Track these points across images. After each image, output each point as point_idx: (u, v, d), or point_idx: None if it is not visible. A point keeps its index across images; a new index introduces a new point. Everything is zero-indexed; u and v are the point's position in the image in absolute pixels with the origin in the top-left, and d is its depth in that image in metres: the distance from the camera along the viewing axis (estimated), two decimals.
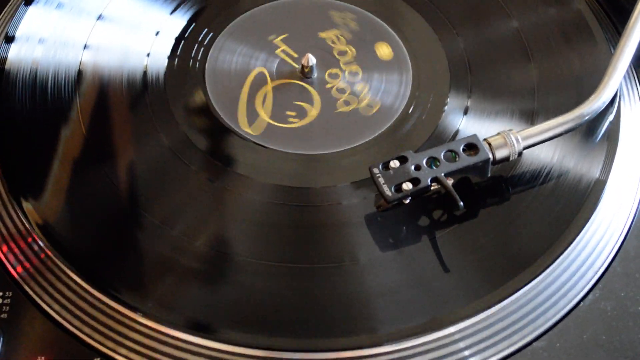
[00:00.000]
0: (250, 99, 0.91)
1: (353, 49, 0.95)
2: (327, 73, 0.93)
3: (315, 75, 0.92)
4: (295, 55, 0.94)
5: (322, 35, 0.96)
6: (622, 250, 0.80)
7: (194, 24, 0.97)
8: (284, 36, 0.96)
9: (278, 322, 0.75)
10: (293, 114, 0.90)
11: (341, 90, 0.91)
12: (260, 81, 0.93)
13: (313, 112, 0.90)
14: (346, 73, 0.92)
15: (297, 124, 0.89)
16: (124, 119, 0.90)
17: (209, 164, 0.85)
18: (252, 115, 0.89)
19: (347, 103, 0.91)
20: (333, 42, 0.95)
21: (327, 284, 0.77)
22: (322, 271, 0.78)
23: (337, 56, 0.94)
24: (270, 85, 0.92)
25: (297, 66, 0.93)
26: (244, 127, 0.88)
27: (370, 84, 0.92)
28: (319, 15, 0.98)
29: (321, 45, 0.95)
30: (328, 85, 0.92)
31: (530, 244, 0.79)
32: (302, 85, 0.92)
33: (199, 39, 0.96)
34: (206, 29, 0.96)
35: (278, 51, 0.95)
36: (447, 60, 0.93)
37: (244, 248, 0.80)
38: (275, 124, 0.89)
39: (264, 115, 0.89)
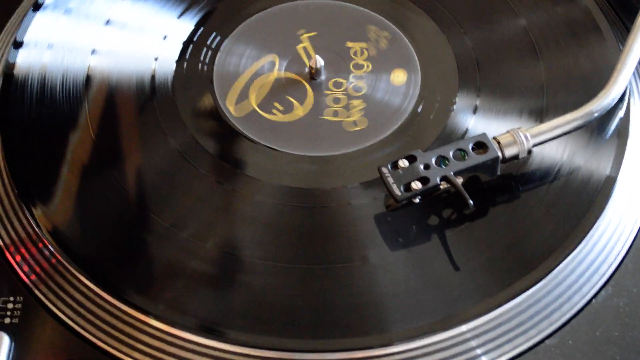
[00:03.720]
0: (248, 82, 0.91)
1: (370, 66, 0.94)
2: (332, 80, 0.93)
3: (322, 78, 0.92)
4: (313, 55, 0.94)
5: (349, 44, 0.96)
6: (633, 247, 0.80)
7: (201, 28, 0.97)
8: (312, 34, 0.96)
9: (288, 323, 0.75)
10: (280, 107, 0.90)
11: (336, 100, 0.91)
12: (266, 68, 0.93)
13: (299, 111, 0.90)
14: (350, 86, 0.92)
15: (280, 118, 0.89)
16: (132, 123, 0.90)
17: (217, 167, 0.86)
18: (242, 97, 0.90)
19: (335, 114, 0.90)
20: (355, 54, 0.95)
21: (337, 284, 0.77)
22: (332, 272, 0.78)
23: (351, 68, 0.94)
24: (274, 75, 0.93)
25: (307, 65, 0.93)
26: (229, 105, 0.90)
27: (369, 102, 0.91)
28: (356, 24, 0.98)
29: (343, 53, 0.95)
30: (327, 92, 0.92)
31: (541, 241, 0.78)
32: (302, 84, 0.92)
33: (207, 42, 0.96)
34: (214, 33, 0.97)
35: (299, 46, 0.95)
36: (455, 60, 0.93)
37: (253, 250, 0.80)
38: (260, 112, 0.90)
39: (252, 100, 0.90)
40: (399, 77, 0.92)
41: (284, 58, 0.94)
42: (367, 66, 0.94)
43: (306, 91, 0.92)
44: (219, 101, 0.91)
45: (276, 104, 0.91)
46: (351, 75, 0.93)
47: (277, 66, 0.94)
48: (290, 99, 0.91)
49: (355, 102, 0.91)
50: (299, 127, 0.89)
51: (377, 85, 0.92)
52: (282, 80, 0.93)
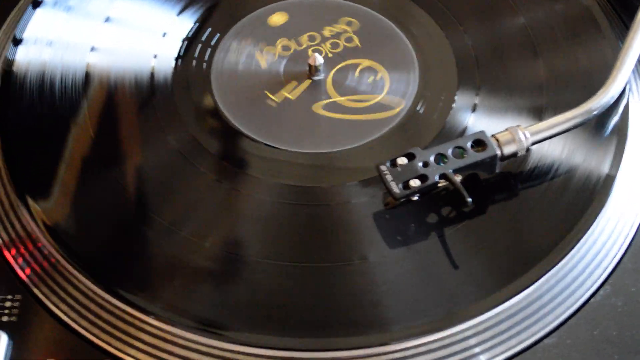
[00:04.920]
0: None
1: (359, 44, 0.94)
2: (332, 78, 0.92)
3: (321, 76, 0.92)
4: (302, 55, 0.94)
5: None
6: (632, 246, 0.80)
7: (201, 25, 0.97)
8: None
9: (288, 322, 0.75)
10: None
11: (335, 97, 0.91)
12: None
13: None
14: (349, 83, 0.92)
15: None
16: (132, 120, 0.90)
17: (216, 165, 0.86)
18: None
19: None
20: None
21: (337, 282, 0.77)
22: (332, 270, 0.78)
23: (343, 53, 0.94)
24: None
25: (304, 67, 0.93)
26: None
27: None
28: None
29: (342, 51, 0.95)
30: (326, 89, 0.92)
31: (539, 240, 0.78)
32: (302, 82, 0.92)
33: (206, 40, 0.96)
34: (213, 30, 0.97)
35: (298, 44, 0.95)
36: (454, 58, 0.93)
37: (253, 248, 0.80)
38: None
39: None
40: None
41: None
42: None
43: (305, 89, 0.92)
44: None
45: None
46: (350, 72, 0.93)
47: (276, 63, 0.93)
48: (290, 96, 0.91)
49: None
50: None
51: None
52: (281, 77, 0.93)
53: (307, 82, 0.92)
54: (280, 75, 0.93)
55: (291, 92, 0.92)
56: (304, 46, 0.95)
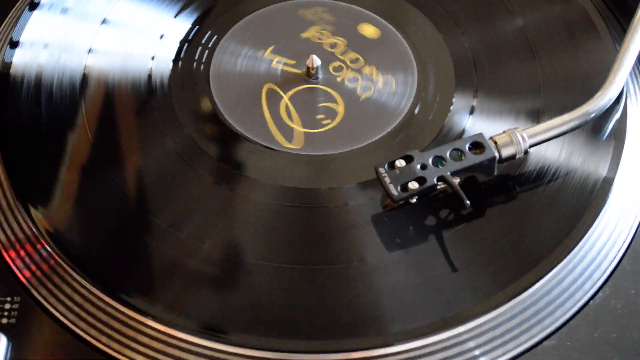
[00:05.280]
0: (275, 117, 0.90)
1: (341, 39, 0.94)
2: (330, 68, 0.93)
3: (319, 77, 0.92)
4: (293, 62, 0.94)
5: (305, 35, 0.96)
6: (631, 248, 0.80)
7: (198, 27, 0.97)
8: (272, 47, 0.96)
9: (287, 324, 0.75)
10: (323, 116, 0.90)
11: (333, 99, 0.91)
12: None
13: (340, 108, 0.90)
14: (347, 86, 0.92)
15: (331, 124, 0.89)
16: (130, 123, 0.90)
17: (215, 167, 0.85)
18: (287, 132, 0.89)
19: (365, 88, 0.91)
20: (319, 39, 0.95)
21: (336, 285, 0.77)
22: (330, 272, 0.78)
23: (330, 49, 0.94)
24: (270, 74, 0.93)
25: (300, 71, 0.93)
26: (286, 144, 0.88)
27: (374, 63, 0.93)
28: (292, 18, 0.98)
29: (309, 44, 0.95)
30: (339, 79, 0.92)
31: (538, 242, 0.78)
32: (299, 83, 0.92)
33: (204, 41, 0.96)
34: (210, 32, 0.96)
35: (295, 46, 0.95)
36: (452, 60, 0.93)
37: (252, 250, 0.80)
38: (311, 131, 0.89)
39: (297, 127, 0.89)
40: (368, 30, 0.92)
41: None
42: (339, 39, 0.94)
43: (303, 90, 0.92)
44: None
45: (273, 104, 0.90)
46: (348, 75, 0.93)
47: (274, 65, 0.93)
48: (287, 98, 0.91)
49: (367, 69, 0.91)
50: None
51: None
52: (279, 79, 0.93)
53: (305, 84, 0.92)
54: (278, 76, 0.93)
55: (288, 94, 0.91)
56: (302, 48, 0.95)
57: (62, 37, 0.94)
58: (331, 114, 0.90)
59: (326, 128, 0.89)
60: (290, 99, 0.91)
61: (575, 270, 0.77)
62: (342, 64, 0.93)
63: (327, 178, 0.85)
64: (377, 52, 0.94)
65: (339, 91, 0.91)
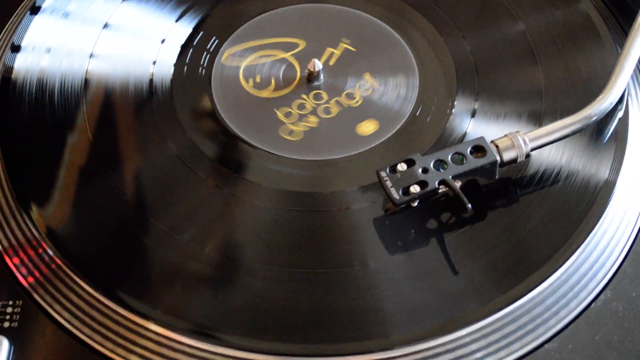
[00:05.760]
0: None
1: (359, 50, 0.95)
2: (331, 84, 0.93)
3: (320, 81, 0.92)
4: (294, 66, 0.94)
5: (330, 49, 0.96)
6: (632, 251, 0.80)
7: (199, 32, 0.97)
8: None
9: (288, 327, 0.75)
10: (324, 119, 0.90)
11: (335, 103, 0.91)
12: (265, 72, 0.94)
13: (297, 114, 0.90)
14: (349, 90, 0.92)
15: (333, 128, 0.89)
16: (131, 126, 0.90)
17: (216, 171, 0.86)
18: (288, 135, 0.89)
19: (367, 92, 0.92)
20: (345, 48, 0.95)
21: (337, 288, 0.77)
22: (332, 276, 0.78)
23: (342, 59, 0.94)
24: (272, 78, 0.93)
25: (302, 75, 0.93)
26: (227, 108, 0.90)
27: (375, 66, 0.93)
28: (354, 28, 0.98)
29: (326, 53, 0.95)
30: (324, 95, 0.92)
31: (539, 245, 0.78)
32: (300, 88, 0.92)
33: (205, 46, 0.96)
34: (211, 36, 0.97)
35: (297, 49, 0.95)
36: (453, 63, 0.93)
37: (253, 254, 0.80)
38: (313, 134, 0.89)
39: (299, 130, 0.89)
40: (368, 127, 0.91)
41: (282, 62, 0.94)
42: (365, 69, 0.94)
43: (304, 94, 0.92)
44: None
45: (274, 107, 0.91)
46: (349, 78, 0.93)
47: (275, 69, 0.93)
48: (289, 101, 0.91)
49: (354, 104, 0.91)
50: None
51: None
52: (281, 83, 0.93)
53: (307, 87, 0.92)
54: (279, 81, 0.93)
55: (290, 98, 0.91)
56: (304, 51, 0.95)
57: (64, 42, 0.95)
58: (333, 117, 0.90)
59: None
60: (292, 102, 0.91)
61: (576, 273, 0.77)
62: (345, 67, 0.94)
63: (328, 182, 0.85)
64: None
65: (341, 94, 0.91)
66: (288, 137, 0.88)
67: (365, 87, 0.92)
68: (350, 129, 0.89)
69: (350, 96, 0.92)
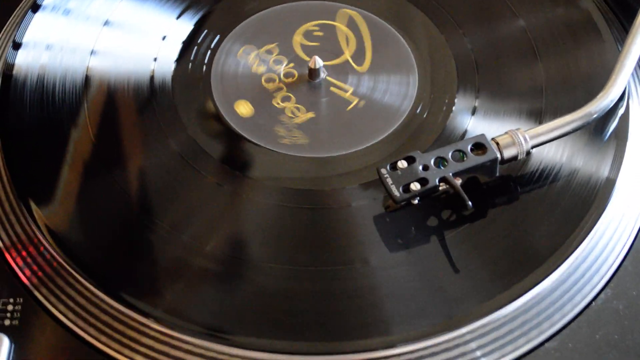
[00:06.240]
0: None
1: (368, 67, 0.94)
2: (332, 81, 0.92)
3: (321, 78, 0.92)
4: (295, 63, 0.94)
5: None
6: (633, 249, 0.80)
7: (200, 28, 0.97)
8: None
9: (289, 326, 0.75)
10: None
11: (336, 100, 0.91)
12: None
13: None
14: (350, 87, 0.92)
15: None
16: (132, 124, 0.90)
17: (217, 168, 0.86)
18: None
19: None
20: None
21: (338, 286, 0.77)
22: (333, 273, 0.78)
23: (350, 68, 0.94)
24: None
25: (302, 72, 0.93)
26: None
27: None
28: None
29: (332, 48, 0.95)
30: (326, 92, 0.92)
31: (540, 243, 0.78)
32: (301, 84, 0.92)
33: (206, 43, 0.96)
34: (213, 33, 0.97)
35: (298, 47, 0.95)
36: (454, 61, 0.93)
37: (255, 252, 0.80)
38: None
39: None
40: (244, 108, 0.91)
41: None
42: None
43: (305, 91, 0.92)
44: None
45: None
46: (349, 75, 0.93)
47: (276, 66, 0.93)
48: (290, 99, 0.91)
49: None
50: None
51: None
52: (282, 80, 0.93)
53: (307, 84, 0.92)
54: (280, 77, 0.93)
55: (291, 95, 0.91)
56: (303, 49, 0.95)
57: (65, 39, 0.95)
58: (333, 114, 0.90)
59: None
60: (293, 99, 0.91)
61: (577, 272, 0.77)
62: (345, 64, 0.94)
63: (329, 179, 0.85)
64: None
65: (342, 92, 0.91)
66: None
67: (366, 84, 0.92)
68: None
69: (352, 93, 0.91)
